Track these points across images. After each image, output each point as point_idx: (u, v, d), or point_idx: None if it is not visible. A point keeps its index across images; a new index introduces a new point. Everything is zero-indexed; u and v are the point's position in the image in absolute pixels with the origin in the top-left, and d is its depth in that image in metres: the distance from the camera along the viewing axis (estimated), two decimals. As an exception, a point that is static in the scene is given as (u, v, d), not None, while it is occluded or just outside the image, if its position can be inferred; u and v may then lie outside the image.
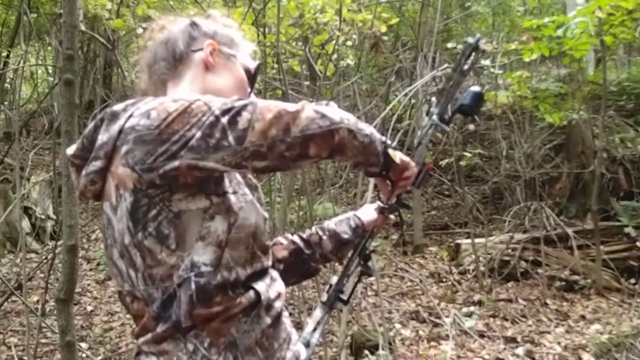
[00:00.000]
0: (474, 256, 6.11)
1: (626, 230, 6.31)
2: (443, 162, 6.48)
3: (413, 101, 5.75)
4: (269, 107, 1.19)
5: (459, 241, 6.58)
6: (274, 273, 1.45)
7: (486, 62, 5.38)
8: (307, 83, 5.93)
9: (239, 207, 1.29)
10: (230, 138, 1.16)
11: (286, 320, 1.44)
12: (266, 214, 1.41)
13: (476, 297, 5.68)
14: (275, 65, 5.06)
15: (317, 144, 1.22)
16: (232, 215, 1.27)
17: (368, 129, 1.32)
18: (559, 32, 5.20)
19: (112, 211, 1.28)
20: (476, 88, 1.62)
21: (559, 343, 4.92)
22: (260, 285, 1.33)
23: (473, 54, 1.57)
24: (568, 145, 7.17)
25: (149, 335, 1.29)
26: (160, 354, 1.28)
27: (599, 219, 6.24)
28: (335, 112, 1.24)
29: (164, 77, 1.45)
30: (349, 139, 1.26)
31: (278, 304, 1.39)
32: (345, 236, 1.70)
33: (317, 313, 1.63)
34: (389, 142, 1.41)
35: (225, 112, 1.17)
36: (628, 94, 7.57)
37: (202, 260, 1.24)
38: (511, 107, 6.49)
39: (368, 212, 1.77)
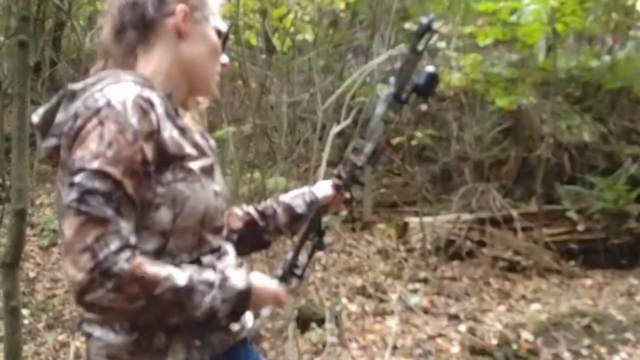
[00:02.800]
0: (421, 234, 6.21)
1: (568, 214, 6.50)
2: (395, 141, 6.53)
3: (368, 79, 5.77)
4: (86, 239, 1.14)
5: (407, 219, 6.66)
6: (227, 246, 1.45)
7: (441, 44, 5.43)
8: (263, 56, 5.87)
9: (186, 196, 1.26)
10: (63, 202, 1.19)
11: None
12: (222, 190, 1.40)
13: (422, 275, 5.79)
14: (232, 36, 4.99)
15: None
16: (177, 206, 1.25)
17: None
18: (513, 17, 5.30)
19: (61, 186, 1.27)
20: (431, 68, 1.63)
21: (499, 321, 5.07)
22: (206, 258, 1.33)
23: (426, 34, 1.57)
24: (516, 129, 7.32)
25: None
26: (104, 322, 1.28)
27: (543, 202, 6.42)
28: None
29: (134, 46, 1.38)
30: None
31: None
32: (300, 210, 1.71)
33: None
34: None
35: (77, 190, 1.17)
36: (576, 82, 7.75)
37: (146, 248, 1.23)
38: (463, 90, 6.58)
39: (323, 188, 1.77)
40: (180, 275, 1.22)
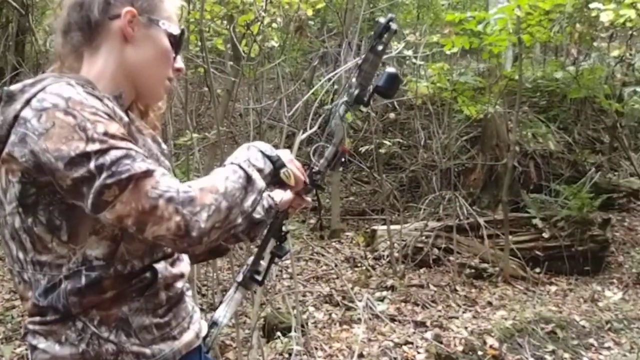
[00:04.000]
0: (389, 242, 6.23)
1: (534, 221, 6.58)
2: (363, 149, 6.56)
3: (336, 87, 5.78)
4: (148, 194, 1.13)
5: (375, 227, 6.68)
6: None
7: (409, 53, 5.46)
8: (230, 63, 5.84)
9: None
10: (89, 201, 1.12)
11: (188, 300, 1.42)
12: None
13: (389, 282, 5.80)
14: (199, 43, 4.95)
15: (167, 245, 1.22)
16: None
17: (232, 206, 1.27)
18: (480, 27, 5.36)
19: (2, 193, 1.23)
20: (391, 70, 1.62)
21: (466, 328, 5.09)
22: (159, 265, 1.31)
23: (386, 34, 1.56)
24: (483, 137, 7.40)
25: (36, 317, 1.26)
26: (49, 333, 1.25)
27: (509, 210, 6.49)
28: (196, 232, 1.17)
29: (79, 47, 1.34)
30: (218, 234, 1.23)
31: (179, 284, 1.37)
32: (258, 216, 1.55)
33: (231, 293, 1.60)
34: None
35: (101, 172, 1.11)
36: (542, 92, 7.89)
37: (94, 254, 1.21)
38: (431, 98, 6.63)
39: (281, 193, 1.68)
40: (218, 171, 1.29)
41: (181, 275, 1.38)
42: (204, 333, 1.45)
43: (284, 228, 1.63)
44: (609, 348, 5.11)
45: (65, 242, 1.20)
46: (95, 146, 1.12)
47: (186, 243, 1.17)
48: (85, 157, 1.11)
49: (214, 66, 5.15)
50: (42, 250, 1.21)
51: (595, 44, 8.03)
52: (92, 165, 1.11)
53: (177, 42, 1.40)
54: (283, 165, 1.42)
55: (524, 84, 6.75)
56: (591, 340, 5.18)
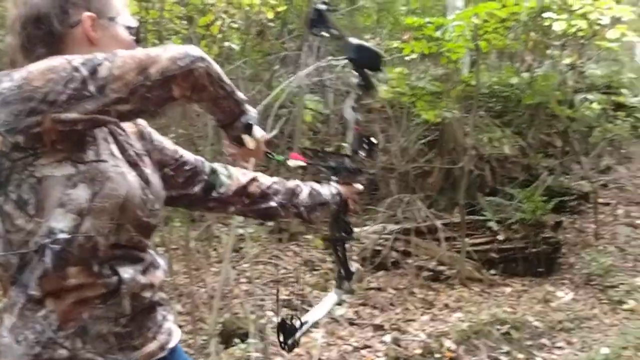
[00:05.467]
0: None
1: (489, 224, 6.70)
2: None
3: (296, 89, 5.77)
4: (131, 55, 1.18)
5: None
6: (159, 260, 1.43)
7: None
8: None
9: (107, 176, 1.25)
10: (91, 87, 1.14)
11: (161, 310, 1.41)
12: (154, 188, 1.39)
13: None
14: (157, 42, 4.88)
15: (179, 85, 1.21)
16: (97, 184, 1.23)
17: (229, 86, 1.32)
18: (438, 33, 5.43)
19: None
20: (353, 40, 1.73)
21: (423, 330, 5.14)
22: (126, 272, 1.29)
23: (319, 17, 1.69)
24: (441, 141, 7.48)
25: (7, 303, 1.27)
26: (13, 329, 1.25)
27: (466, 212, 6.59)
28: (198, 52, 1.23)
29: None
30: (207, 80, 1.25)
31: (148, 294, 1.36)
32: (325, 197, 1.78)
33: (333, 299, 1.83)
34: (252, 114, 1.42)
35: (85, 63, 1.15)
36: (497, 97, 8.03)
37: (59, 227, 1.21)
38: (390, 102, 6.68)
39: (338, 185, 1.85)
40: None
41: (151, 285, 1.37)
42: (173, 343, 1.44)
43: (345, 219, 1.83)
44: (561, 348, 5.24)
45: (31, 217, 1.21)
46: (77, 58, 1.17)
47: (188, 60, 1.20)
48: (69, 65, 1.15)
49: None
50: (11, 230, 1.22)
51: (548, 51, 8.23)
52: (75, 64, 1.16)
53: (136, 33, 1.45)
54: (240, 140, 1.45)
55: (480, 89, 6.86)
56: (544, 341, 5.30)
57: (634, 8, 6.99)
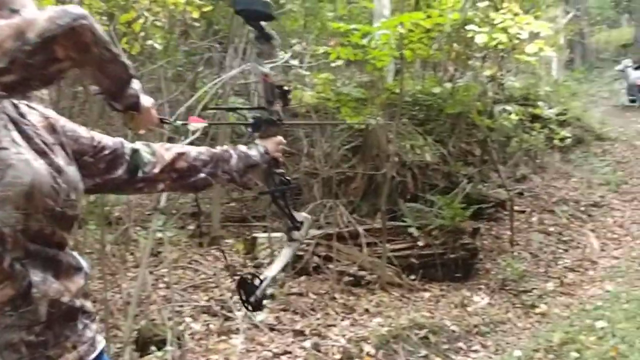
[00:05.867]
0: (269, 250, 6.18)
1: (410, 230, 6.81)
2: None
3: (221, 91, 5.68)
4: (7, 23, 1.10)
5: (256, 234, 6.62)
6: (82, 263, 1.37)
7: (295, 62, 5.47)
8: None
9: (8, 164, 1.19)
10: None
11: (83, 318, 1.35)
12: (68, 176, 1.33)
13: (269, 291, 5.73)
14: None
15: (62, 45, 1.13)
16: None
17: (115, 49, 1.26)
18: (364, 40, 5.47)
19: None
20: None
21: (343, 336, 5.15)
22: (37, 275, 1.22)
23: None
24: (364, 147, 7.55)
25: None
26: None
27: (387, 218, 6.67)
28: (79, 10, 1.15)
29: None
30: (90, 39, 1.17)
31: (66, 298, 1.29)
32: (255, 159, 1.79)
33: (287, 250, 1.88)
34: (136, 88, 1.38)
35: None
36: (420, 105, 8.19)
37: None
38: (315, 107, 6.68)
39: (262, 142, 1.86)
40: None
41: (68, 290, 1.30)
42: (95, 354, 1.38)
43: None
44: (476, 351, 5.38)
45: None
46: None
47: (69, 18, 1.12)
48: None
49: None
50: None
51: (470, 63, 8.47)
52: None
53: None
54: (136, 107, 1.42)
55: (404, 98, 6.97)
56: (460, 344, 5.43)
57: (552, 24, 7.30)
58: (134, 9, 4.60)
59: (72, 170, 1.37)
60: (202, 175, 1.69)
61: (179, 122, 1.74)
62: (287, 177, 1.89)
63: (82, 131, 1.51)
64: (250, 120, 1.88)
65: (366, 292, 6.16)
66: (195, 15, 4.92)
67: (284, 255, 1.88)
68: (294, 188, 1.90)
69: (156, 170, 1.60)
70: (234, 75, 5.04)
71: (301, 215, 1.92)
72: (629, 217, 9.13)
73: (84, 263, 1.39)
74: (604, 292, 6.71)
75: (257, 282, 1.72)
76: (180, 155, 1.65)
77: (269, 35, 1.83)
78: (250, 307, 1.73)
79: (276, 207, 1.90)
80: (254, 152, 1.80)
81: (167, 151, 1.64)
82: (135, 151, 1.59)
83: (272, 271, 1.80)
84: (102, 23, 4.95)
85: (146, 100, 1.43)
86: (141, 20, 4.68)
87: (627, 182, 10.53)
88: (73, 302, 1.31)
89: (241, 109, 2.14)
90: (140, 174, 1.58)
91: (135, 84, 1.37)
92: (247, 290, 1.72)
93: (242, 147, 1.81)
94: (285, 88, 1.89)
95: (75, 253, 1.37)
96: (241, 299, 1.73)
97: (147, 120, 1.47)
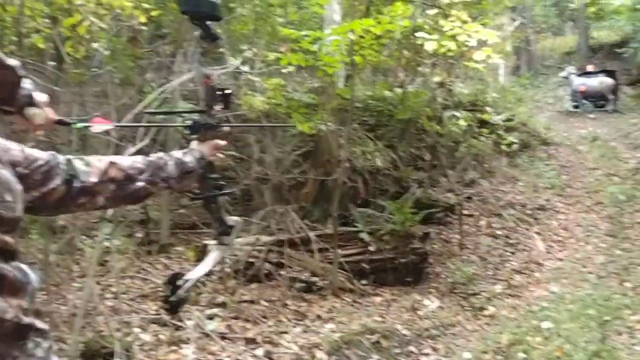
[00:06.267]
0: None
1: (361, 235, 6.83)
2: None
3: (169, 96, 5.58)
4: None
5: (206, 241, 6.53)
6: (31, 276, 1.31)
7: (245, 68, 5.43)
8: (52, 64, 5.40)
9: None
10: None
11: (33, 336, 1.29)
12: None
13: (220, 299, 5.68)
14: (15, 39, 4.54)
15: None
16: None
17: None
18: (315, 47, 5.47)
19: None
20: None
21: (296, 342, 5.13)
22: None
23: None
24: (315, 153, 7.55)
25: None
26: None
27: (339, 224, 6.67)
28: None
29: None
30: None
31: (9, 315, 1.22)
32: (191, 165, 1.78)
33: (214, 254, 1.91)
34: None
35: None
36: (371, 111, 8.25)
37: None
38: (265, 113, 6.63)
39: (198, 146, 1.86)
40: None
41: (12, 307, 1.24)
42: None
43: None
44: (427, 354, 5.44)
45: None
46: None
47: None
48: None
49: (33, 67, 4.74)
50: None
51: (420, 69, 8.57)
52: None
53: None
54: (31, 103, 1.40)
55: (355, 103, 6.99)
56: (411, 348, 5.48)
57: (499, 32, 7.45)
58: (78, 12, 4.47)
59: (4, 173, 1.32)
60: (140, 184, 1.66)
61: (80, 124, 1.69)
62: (221, 182, 1.89)
63: (11, 144, 1.45)
64: (188, 123, 1.87)
65: (318, 298, 6.15)
66: (143, 19, 4.83)
67: (211, 259, 1.91)
68: (228, 193, 1.89)
69: (93, 179, 1.56)
70: (183, 81, 4.96)
71: (232, 220, 1.93)
72: (573, 219, 9.41)
73: (32, 277, 1.32)
74: (550, 293, 6.90)
75: (180, 282, 1.73)
76: (113, 163, 1.62)
77: (214, 35, 1.83)
78: (169, 306, 1.74)
79: (209, 212, 1.90)
80: (189, 158, 1.80)
81: (99, 161, 1.61)
82: (69, 161, 1.55)
83: (195, 274, 1.81)
84: (45, 27, 4.82)
85: (41, 96, 1.39)
86: (86, 23, 4.55)
87: (571, 186, 10.87)
88: (20, 320, 1.25)
89: (180, 112, 2.17)
90: (77, 184, 1.53)
91: (27, 84, 1.32)
92: (173, 288, 1.73)
93: (177, 154, 1.80)
94: (227, 91, 1.88)
95: (24, 266, 1.31)
96: (166, 295, 1.74)
97: (44, 122, 1.43)
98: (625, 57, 17.24)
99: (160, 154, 1.76)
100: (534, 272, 7.65)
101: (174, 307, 1.73)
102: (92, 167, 1.57)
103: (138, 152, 4.61)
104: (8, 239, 1.27)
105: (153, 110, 4.79)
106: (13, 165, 1.40)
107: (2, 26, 3.99)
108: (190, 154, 1.81)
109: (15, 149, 1.44)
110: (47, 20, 4.78)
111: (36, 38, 4.82)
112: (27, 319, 1.27)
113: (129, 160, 1.66)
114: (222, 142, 1.88)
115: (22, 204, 1.34)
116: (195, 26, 1.84)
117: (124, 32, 5.34)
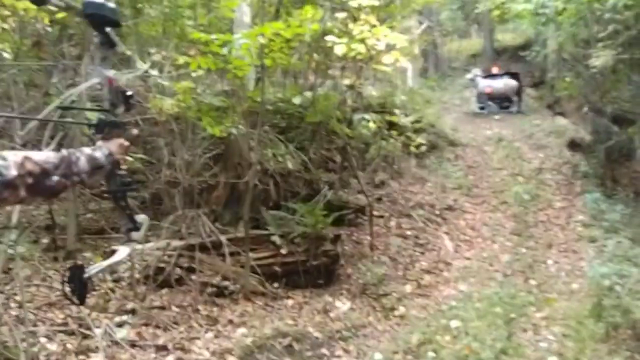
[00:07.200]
0: (129, 263, 5.98)
1: (273, 238, 6.86)
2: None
3: (76, 99, 5.42)
4: None
5: (115, 247, 6.37)
6: None
7: (154, 72, 5.35)
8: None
9: None
10: None
11: None
12: None
13: (130, 306, 5.58)
14: None
15: None
16: None
17: None
18: (225, 50, 5.46)
19: None
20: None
21: (207, 348, 5.12)
22: None
23: None
24: (226, 156, 7.50)
25: None
26: None
27: (250, 227, 6.68)
28: None
29: None
30: None
31: None
32: (101, 160, 1.83)
33: (124, 251, 1.93)
34: None
35: None
36: (282, 113, 8.30)
37: None
38: (175, 116, 6.55)
39: (107, 144, 1.90)
40: None
41: None
42: None
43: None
44: (339, 356, 5.55)
45: None
46: None
47: None
48: None
49: None
50: None
51: (329, 72, 8.71)
52: None
53: None
54: None
55: (265, 106, 7.02)
56: (324, 350, 5.57)
57: (406, 36, 7.68)
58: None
59: None
60: (56, 178, 1.69)
61: None
62: (128, 179, 1.95)
63: None
64: (93, 121, 1.94)
65: (230, 302, 6.14)
66: (46, 21, 4.67)
67: (119, 255, 1.94)
68: (135, 189, 1.96)
69: (13, 172, 1.57)
70: (91, 85, 4.84)
71: (140, 217, 1.99)
72: (480, 219, 9.80)
73: None
74: (458, 292, 7.17)
75: (84, 275, 1.76)
76: (28, 158, 1.64)
77: (113, 42, 1.90)
78: (69, 296, 1.78)
79: (117, 208, 1.96)
80: (98, 154, 1.85)
81: (15, 155, 1.62)
82: None
83: (97, 267, 1.83)
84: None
85: None
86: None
87: (478, 186, 11.30)
88: None
89: (86, 109, 2.21)
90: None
91: None
92: (75, 279, 1.76)
93: (87, 150, 1.84)
94: (128, 93, 1.96)
95: None
96: (68, 284, 1.77)
97: None
98: (528, 60, 18.11)
99: (72, 150, 1.79)
100: (443, 271, 7.90)
101: (80, 297, 1.76)
102: (8, 161, 1.58)
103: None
104: None
105: (60, 106, 4.66)
106: None
107: None
108: (99, 150, 1.86)
109: None
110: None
111: None
112: None
113: (42, 155, 1.68)
114: (127, 143, 1.95)
115: None
116: (94, 30, 1.89)
117: (28, 34, 5.13)
